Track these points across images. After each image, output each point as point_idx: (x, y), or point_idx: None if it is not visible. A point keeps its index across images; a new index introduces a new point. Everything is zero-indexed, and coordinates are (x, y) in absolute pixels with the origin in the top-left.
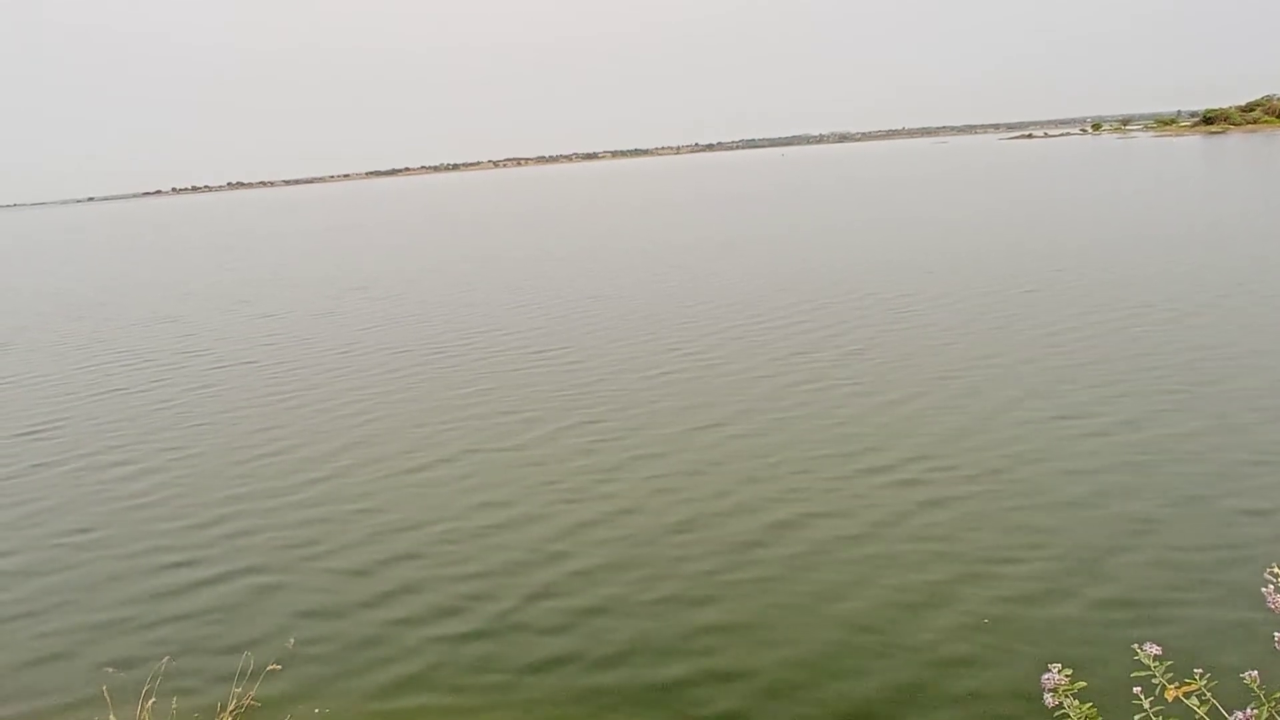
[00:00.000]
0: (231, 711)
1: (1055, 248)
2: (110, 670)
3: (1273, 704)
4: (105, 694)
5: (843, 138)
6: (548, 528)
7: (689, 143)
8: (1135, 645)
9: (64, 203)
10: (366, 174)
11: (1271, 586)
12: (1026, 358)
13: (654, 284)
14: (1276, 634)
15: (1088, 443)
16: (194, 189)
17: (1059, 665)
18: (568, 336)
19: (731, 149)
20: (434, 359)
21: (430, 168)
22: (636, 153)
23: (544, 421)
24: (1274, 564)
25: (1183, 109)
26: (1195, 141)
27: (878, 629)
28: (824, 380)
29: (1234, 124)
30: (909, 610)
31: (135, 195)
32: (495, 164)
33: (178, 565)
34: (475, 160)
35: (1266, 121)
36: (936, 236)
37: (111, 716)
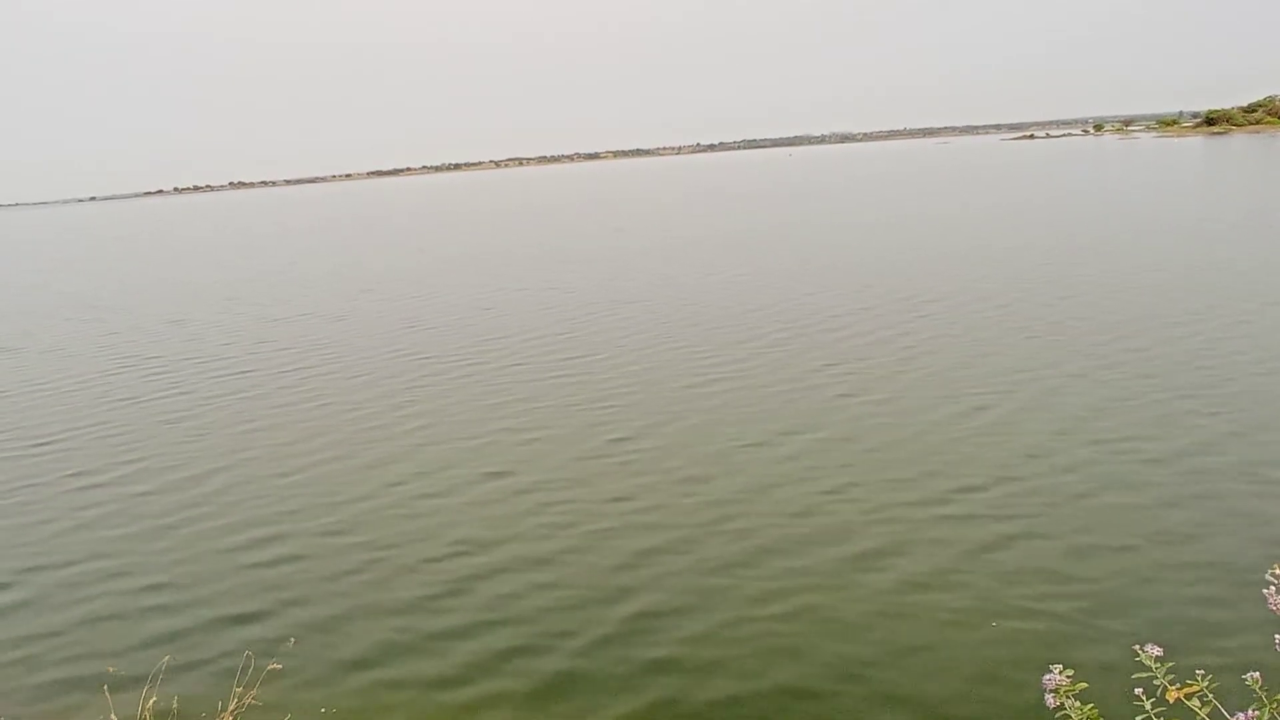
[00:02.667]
0: (232, 711)
1: (1082, 250)
2: (111, 670)
3: (1274, 706)
4: (106, 693)
5: (844, 138)
6: (564, 549)
7: (690, 143)
8: (1136, 646)
9: (65, 202)
10: (368, 173)
11: (1273, 587)
12: (1072, 368)
13: (678, 287)
14: (1278, 635)
15: (1145, 468)
16: (195, 188)
17: (1059, 666)
18: (595, 344)
19: (733, 149)
20: (454, 369)
21: (432, 167)
22: (638, 153)
23: (578, 439)
24: (1275, 565)
25: (1184, 110)
26: (1198, 142)
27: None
28: (868, 393)
29: (1236, 125)
30: (991, 662)
31: (137, 195)
32: (497, 164)
33: (179, 564)
34: (477, 160)
35: (1269, 122)
36: (959, 236)
37: (113, 715)
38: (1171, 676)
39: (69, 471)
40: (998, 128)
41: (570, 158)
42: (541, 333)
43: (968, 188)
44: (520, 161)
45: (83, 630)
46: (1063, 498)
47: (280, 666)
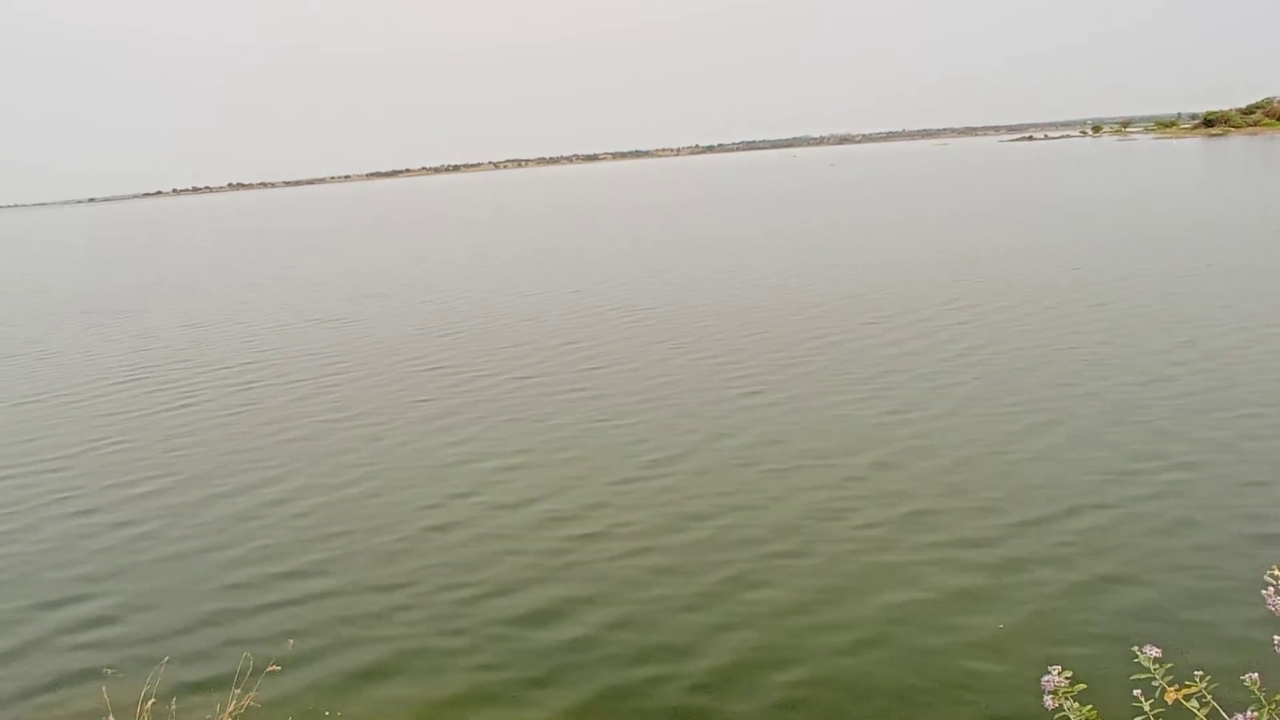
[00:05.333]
0: (231, 713)
1: (1105, 253)
2: (109, 671)
3: (1273, 707)
4: (104, 694)
5: (843, 139)
6: (598, 593)
7: (689, 144)
8: (1135, 648)
9: (65, 203)
10: (367, 175)
11: (1271, 588)
12: (1126, 380)
13: (703, 291)
14: (1276, 637)
15: (1232, 494)
16: (195, 190)
17: (1059, 667)
18: (620, 353)
19: (732, 151)
20: (471, 382)
21: (430, 169)
22: (636, 154)
23: (612, 461)
24: (1274, 566)
25: (1183, 111)
26: (1197, 144)
27: None
28: (918, 408)
29: (1234, 126)
30: None
31: (136, 196)
32: (496, 165)
33: (177, 565)
34: (476, 162)
35: (1267, 124)
36: (976, 237)
37: (110, 717)
38: (1170, 678)
39: (65, 491)
40: (996, 129)
41: (569, 159)
42: (563, 340)
43: (976, 189)
44: (519, 163)
45: (80, 632)
46: (1146, 531)
47: (279, 669)
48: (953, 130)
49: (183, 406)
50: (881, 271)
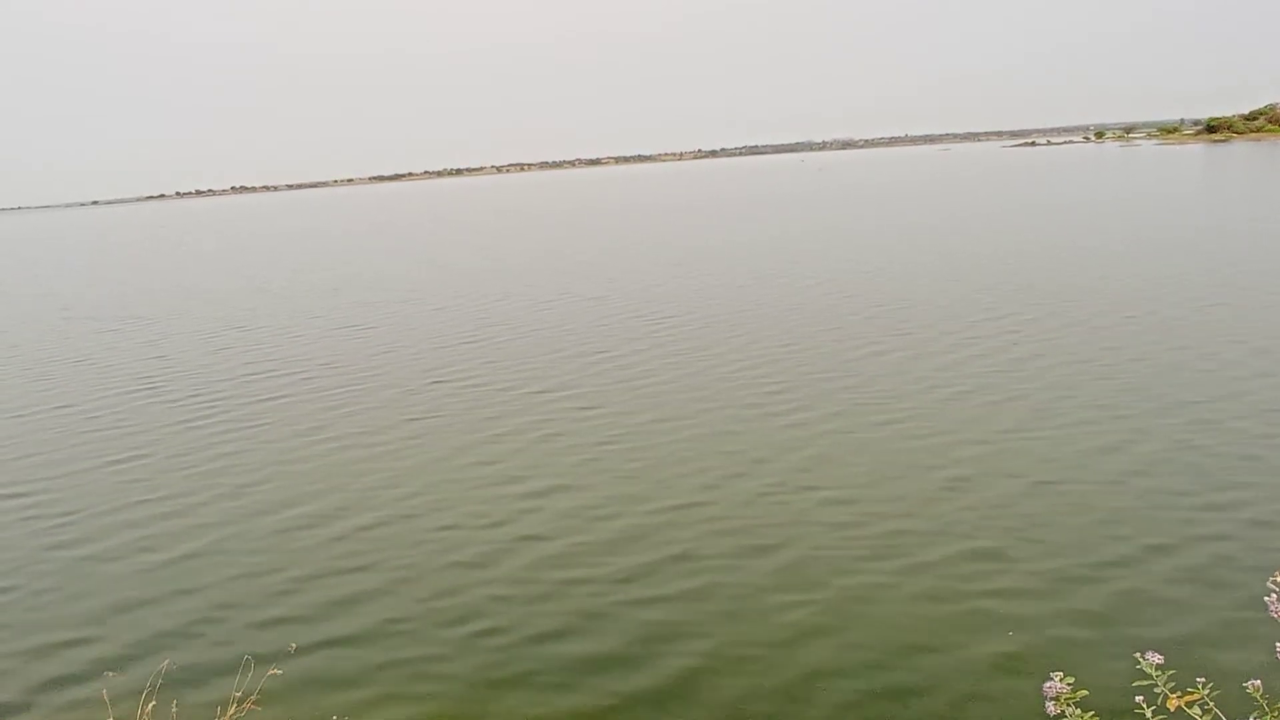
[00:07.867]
0: (231, 715)
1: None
2: (110, 674)
3: (1275, 713)
4: (104, 697)
5: (845, 144)
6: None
7: (692, 149)
8: (1138, 654)
9: (68, 206)
10: (370, 178)
11: (1275, 595)
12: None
13: (721, 300)
14: (1278, 643)
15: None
16: (197, 193)
17: (1060, 673)
18: (653, 369)
19: (735, 155)
20: (482, 397)
21: (433, 173)
22: (639, 159)
23: (637, 489)
24: (1278, 572)
25: (1185, 117)
26: (1200, 150)
27: None
28: (977, 434)
29: (1237, 132)
30: None
31: (139, 199)
32: (499, 169)
33: (177, 566)
34: (478, 165)
35: (1269, 130)
36: (997, 241)
37: (110, 719)
38: (1173, 684)
39: (68, 496)
40: (999, 134)
41: (572, 163)
42: (587, 351)
43: (990, 194)
44: (522, 167)
45: (80, 634)
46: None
47: (280, 672)
48: (955, 135)
49: (189, 416)
50: (896, 281)
